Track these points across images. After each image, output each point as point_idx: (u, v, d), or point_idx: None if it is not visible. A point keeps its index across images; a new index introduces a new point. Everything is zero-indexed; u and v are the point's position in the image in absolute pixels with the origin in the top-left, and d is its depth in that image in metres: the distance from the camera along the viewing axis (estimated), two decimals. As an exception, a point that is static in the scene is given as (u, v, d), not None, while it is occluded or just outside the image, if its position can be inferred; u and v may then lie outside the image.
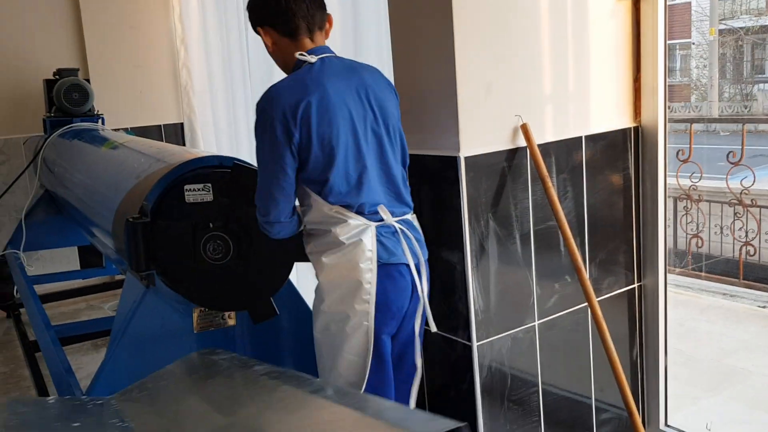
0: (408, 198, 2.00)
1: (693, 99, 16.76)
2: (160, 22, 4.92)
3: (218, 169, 2.21)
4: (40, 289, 3.97)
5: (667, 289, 2.51)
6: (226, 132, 4.48)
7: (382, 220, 1.90)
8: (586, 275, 2.22)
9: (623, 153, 2.42)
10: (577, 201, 2.33)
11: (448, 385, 2.30)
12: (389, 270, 1.89)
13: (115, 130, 4.24)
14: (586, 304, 2.26)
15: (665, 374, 2.54)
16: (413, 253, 1.94)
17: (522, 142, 2.16)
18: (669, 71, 2.50)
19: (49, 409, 1.65)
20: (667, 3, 2.37)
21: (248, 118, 4.02)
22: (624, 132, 2.42)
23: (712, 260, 5.78)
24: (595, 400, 2.47)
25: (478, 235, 2.12)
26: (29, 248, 4.12)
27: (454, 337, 2.21)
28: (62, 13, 4.69)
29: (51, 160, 3.90)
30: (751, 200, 4.96)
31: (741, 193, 4.89)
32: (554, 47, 2.24)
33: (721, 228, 5.58)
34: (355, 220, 1.87)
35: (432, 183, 2.19)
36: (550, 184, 2.17)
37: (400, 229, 1.93)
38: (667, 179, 2.47)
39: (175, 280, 2.14)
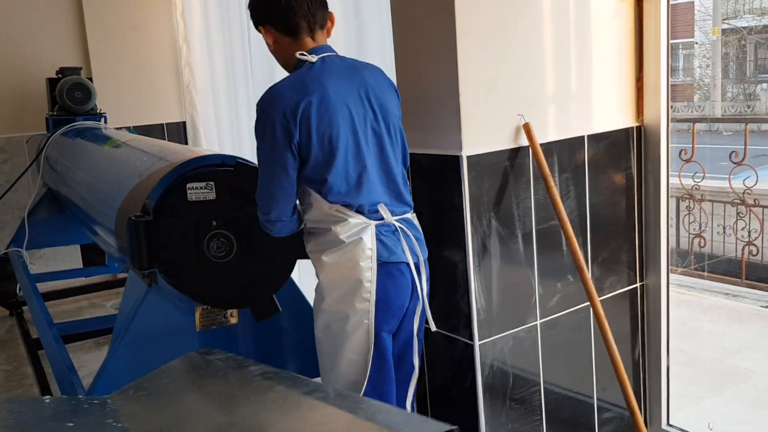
0: (408, 197, 2.00)
1: (696, 99, 16.75)
2: (163, 20, 4.92)
3: (221, 168, 2.21)
4: (43, 287, 3.97)
5: (670, 288, 2.51)
6: (229, 130, 4.47)
7: (382, 218, 1.90)
8: (588, 274, 2.22)
9: (626, 152, 2.42)
10: (580, 200, 2.33)
11: (449, 384, 2.30)
12: (389, 268, 1.89)
13: (118, 128, 4.24)
14: (588, 303, 2.26)
15: (667, 374, 2.54)
16: (413, 252, 1.94)
17: (524, 142, 2.16)
18: (672, 71, 2.51)
19: (45, 408, 1.65)
20: (670, 2, 2.37)
21: (250, 117, 4.00)
22: (626, 131, 2.41)
23: (715, 260, 5.77)
24: (597, 399, 2.47)
25: (480, 235, 2.12)
26: (32, 246, 4.12)
27: (456, 336, 2.21)
28: (65, 11, 4.69)
29: (54, 159, 3.90)
30: (754, 200, 4.95)
31: (744, 192, 4.89)
32: (556, 46, 2.23)
33: (724, 228, 5.58)
34: (355, 219, 1.87)
35: (434, 182, 2.18)
36: (552, 183, 2.17)
37: (400, 227, 1.93)
38: (670, 179, 2.46)
39: (178, 279, 2.15)
